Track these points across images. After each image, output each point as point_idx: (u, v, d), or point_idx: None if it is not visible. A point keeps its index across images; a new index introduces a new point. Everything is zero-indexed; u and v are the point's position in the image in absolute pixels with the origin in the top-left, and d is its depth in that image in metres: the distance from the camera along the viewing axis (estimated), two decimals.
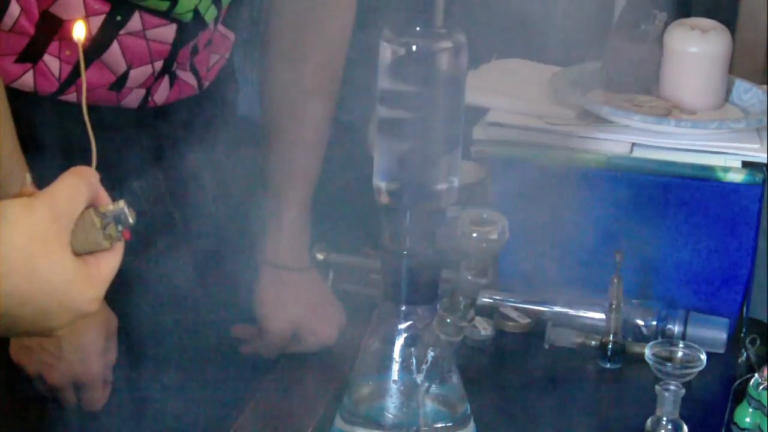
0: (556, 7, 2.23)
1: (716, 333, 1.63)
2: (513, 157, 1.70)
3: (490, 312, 1.66)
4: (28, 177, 0.98)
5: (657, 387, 1.36)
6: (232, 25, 1.59)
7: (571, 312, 1.65)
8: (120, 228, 0.97)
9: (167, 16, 1.47)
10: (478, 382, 1.47)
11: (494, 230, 1.23)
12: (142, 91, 1.51)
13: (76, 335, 1.44)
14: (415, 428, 1.28)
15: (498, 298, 1.66)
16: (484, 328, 1.64)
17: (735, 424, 1.44)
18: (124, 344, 1.50)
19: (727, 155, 1.67)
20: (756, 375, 1.43)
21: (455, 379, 1.31)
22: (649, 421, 1.37)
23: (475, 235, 1.22)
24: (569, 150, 1.69)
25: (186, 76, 1.56)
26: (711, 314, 1.65)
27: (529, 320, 1.66)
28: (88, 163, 0.97)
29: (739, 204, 1.65)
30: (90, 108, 1.01)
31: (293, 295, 1.63)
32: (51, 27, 1.44)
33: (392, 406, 1.29)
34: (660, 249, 1.68)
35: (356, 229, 1.76)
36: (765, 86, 1.80)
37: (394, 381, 1.29)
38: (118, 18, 1.45)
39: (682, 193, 1.66)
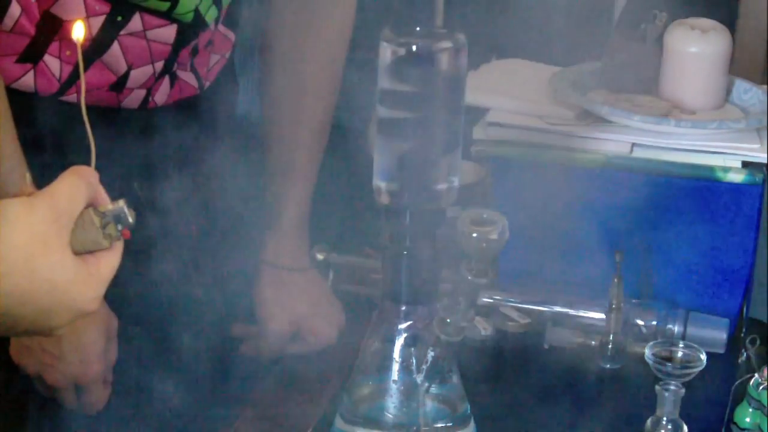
0: (556, 7, 2.23)
1: (716, 333, 1.63)
2: (513, 157, 1.70)
3: (490, 312, 1.66)
4: (28, 176, 0.98)
5: (657, 387, 1.36)
6: (232, 26, 1.59)
7: (571, 312, 1.65)
8: (119, 227, 0.97)
9: (168, 16, 1.47)
10: (478, 382, 1.46)
11: (494, 230, 1.22)
12: (143, 92, 1.51)
13: (76, 335, 1.44)
14: (415, 428, 1.28)
15: (498, 298, 1.66)
16: (484, 328, 1.63)
17: (735, 424, 1.44)
18: (124, 344, 1.50)
19: (727, 155, 1.66)
20: (756, 375, 1.43)
21: (455, 379, 1.31)
22: (649, 421, 1.37)
23: (475, 235, 1.22)
24: (569, 150, 1.69)
25: (186, 77, 1.56)
26: (711, 314, 1.65)
27: (529, 320, 1.66)
28: (88, 163, 0.97)
29: (739, 204, 1.65)
30: (90, 108, 1.01)
31: (293, 295, 1.63)
32: (51, 27, 1.44)
33: (392, 406, 1.29)
34: (660, 249, 1.67)
35: (356, 229, 1.76)
36: (765, 86, 1.80)
37: (394, 381, 1.29)
38: (119, 18, 1.45)
39: (682, 193, 1.66)
